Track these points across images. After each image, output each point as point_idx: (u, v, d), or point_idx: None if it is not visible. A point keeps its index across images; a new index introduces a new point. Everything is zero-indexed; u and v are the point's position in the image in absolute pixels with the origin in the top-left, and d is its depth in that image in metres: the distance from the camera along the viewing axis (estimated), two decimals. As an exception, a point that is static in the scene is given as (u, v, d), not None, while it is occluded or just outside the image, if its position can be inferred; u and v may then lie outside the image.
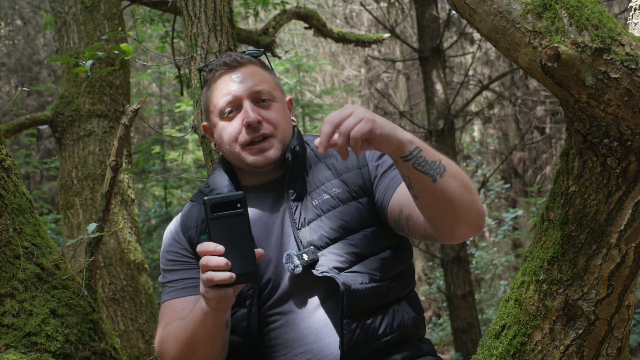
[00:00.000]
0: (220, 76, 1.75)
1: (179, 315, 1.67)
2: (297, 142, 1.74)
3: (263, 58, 1.86)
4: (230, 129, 1.72)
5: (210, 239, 1.44)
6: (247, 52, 1.82)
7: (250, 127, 1.69)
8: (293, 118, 1.83)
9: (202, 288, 1.45)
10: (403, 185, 1.61)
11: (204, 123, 1.84)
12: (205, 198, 1.43)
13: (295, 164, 1.71)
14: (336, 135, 1.38)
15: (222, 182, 1.76)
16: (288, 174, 1.70)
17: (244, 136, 1.70)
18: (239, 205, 1.44)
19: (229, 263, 1.42)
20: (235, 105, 1.72)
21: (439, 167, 1.48)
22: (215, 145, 1.80)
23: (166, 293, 1.75)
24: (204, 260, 1.42)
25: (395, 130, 1.42)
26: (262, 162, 1.70)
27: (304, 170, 1.74)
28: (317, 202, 1.68)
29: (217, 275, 1.41)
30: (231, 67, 1.75)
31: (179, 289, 1.72)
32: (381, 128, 1.39)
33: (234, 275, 1.42)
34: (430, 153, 1.48)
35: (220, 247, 1.42)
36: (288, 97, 1.84)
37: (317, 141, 1.38)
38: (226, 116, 1.73)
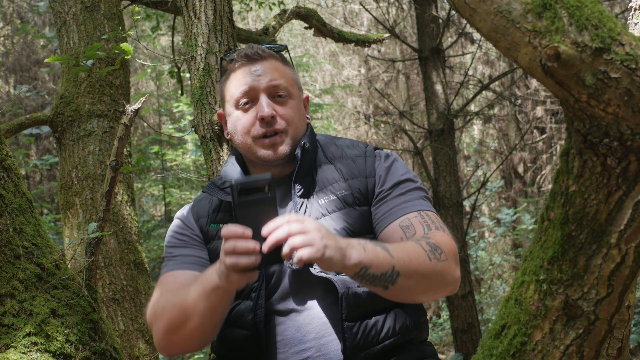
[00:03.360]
0: (240, 67, 1.76)
1: (181, 285, 1.66)
2: (309, 140, 1.75)
3: (284, 53, 1.87)
4: (244, 120, 1.73)
5: (236, 223, 1.39)
6: (269, 46, 1.82)
7: (264, 121, 1.70)
8: (308, 116, 1.84)
9: (223, 272, 1.41)
10: (398, 222, 1.63)
11: (220, 111, 1.86)
12: (233, 181, 1.40)
13: (304, 160, 1.72)
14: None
15: (233, 174, 1.77)
16: (296, 170, 1.71)
17: (256, 129, 1.72)
18: (266, 189, 1.40)
19: (257, 247, 1.37)
20: (251, 97, 1.74)
21: (390, 276, 1.46)
22: (228, 134, 1.81)
23: (169, 265, 1.74)
24: (230, 244, 1.37)
25: (342, 257, 1.39)
26: (272, 156, 1.71)
27: (314, 168, 1.75)
28: (323, 202, 1.69)
29: (243, 260, 1.36)
30: (252, 59, 1.76)
31: (185, 263, 1.70)
32: (329, 259, 1.36)
33: (260, 258, 1.37)
34: (381, 265, 1.44)
35: (248, 231, 1.37)
36: (305, 95, 1.85)
37: (264, 248, 1.36)
38: (242, 107, 1.74)
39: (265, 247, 1.35)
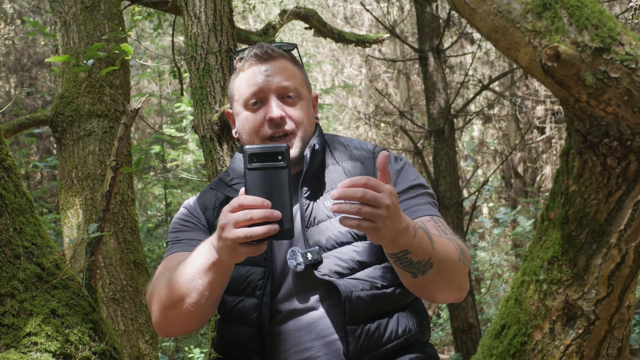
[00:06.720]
0: (250, 67, 1.75)
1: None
2: (318, 141, 1.74)
3: (295, 52, 1.86)
4: (252, 121, 1.72)
5: (246, 191, 1.34)
6: (279, 45, 1.81)
7: (273, 122, 1.69)
8: (317, 115, 1.83)
9: (227, 246, 1.37)
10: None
11: (228, 110, 1.85)
12: (246, 147, 1.37)
13: (312, 162, 1.71)
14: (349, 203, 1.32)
15: (242, 169, 1.75)
16: (304, 172, 1.70)
17: (265, 130, 1.71)
18: (280, 157, 1.35)
19: (278, 215, 1.31)
20: (261, 98, 1.73)
21: (424, 266, 1.48)
22: (236, 133, 1.80)
23: (174, 248, 1.72)
24: (244, 214, 1.32)
25: (393, 240, 1.38)
26: None
27: (321, 170, 1.74)
28: (329, 204, 1.67)
29: (258, 231, 1.31)
30: (261, 59, 1.75)
31: (191, 246, 1.67)
32: (380, 238, 1.36)
33: (277, 226, 1.32)
34: (422, 254, 1.45)
35: (267, 202, 1.32)
36: (314, 94, 1.84)
37: (333, 193, 1.33)
38: (250, 107, 1.73)
39: (334, 193, 1.31)
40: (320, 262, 1.62)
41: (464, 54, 9.70)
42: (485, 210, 13.63)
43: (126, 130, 1.99)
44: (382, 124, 12.12)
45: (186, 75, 6.20)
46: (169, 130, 9.93)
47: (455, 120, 7.61)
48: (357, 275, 1.62)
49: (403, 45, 10.89)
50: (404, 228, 1.39)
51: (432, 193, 1.75)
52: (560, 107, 1.19)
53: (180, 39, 7.57)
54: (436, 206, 1.73)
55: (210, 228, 1.75)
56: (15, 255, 1.68)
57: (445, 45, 8.25)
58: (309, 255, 1.61)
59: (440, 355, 9.45)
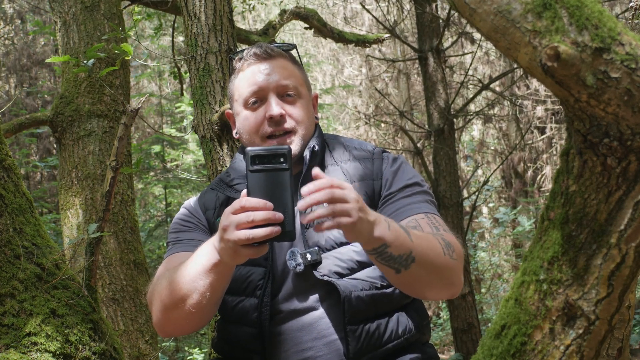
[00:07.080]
0: (249, 66, 1.76)
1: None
2: (317, 141, 1.74)
3: (294, 53, 1.86)
4: (252, 120, 1.72)
5: (248, 193, 1.35)
6: (278, 45, 1.81)
7: (273, 120, 1.70)
8: (317, 115, 1.83)
9: (229, 248, 1.37)
10: (404, 222, 1.62)
11: (228, 110, 1.85)
12: (248, 149, 1.37)
13: (312, 163, 1.71)
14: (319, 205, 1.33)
15: (243, 170, 1.75)
16: (303, 173, 1.70)
17: (265, 128, 1.71)
18: (282, 159, 1.36)
19: (280, 217, 1.32)
20: (260, 97, 1.73)
21: (405, 260, 1.46)
22: (236, 134, 1.80)
23: (175, 248, 1.72)
24: (246, 216, 1.32)
25: (370, 231, 1.39)
26: None
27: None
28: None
29: (260, 232, 1.32)
30: (261, 58, 1.75)
31: (191, 246, 1.67)
32: (358, 232, 1.37)
33: (279, 228, 1.32)
34: (401, 246, 1.44)
35: (269, 204, 1.32)
36: (314, 94, 1.84)
37: (301, 204, 1.33)
38: (250, 106, 1.74)
39: (303, 204, 1.32)
40: (319, 262, 1.62)
41: (464, 54, 9.70)
42: (485, 210, 13.63)
43: (126, 130, 1.99)
44: (382, 124, 12.12)
45: (186, 75, 6.20)
46: (169, 130, 9.93)
47: (455, 120, 7.61)
48: (357, 275, 1.63)
49: (403, 45, 10.89)
50: (375, 220, 1.40)
51: (429, 191, 1.75)
52: (560, 107, 1.19)
53: (180, 39, 7.57)
54: (434, 204, 1.73)
55: (210, 228, 1.75)
56: (15, 255, 1.69)
57: (445, 45, 8.25)
58: (308, 256, 1.61)
59: (440, 355, 9.46)
